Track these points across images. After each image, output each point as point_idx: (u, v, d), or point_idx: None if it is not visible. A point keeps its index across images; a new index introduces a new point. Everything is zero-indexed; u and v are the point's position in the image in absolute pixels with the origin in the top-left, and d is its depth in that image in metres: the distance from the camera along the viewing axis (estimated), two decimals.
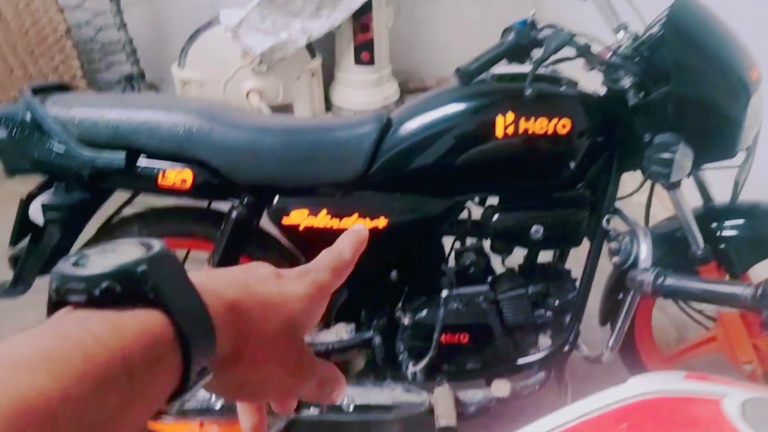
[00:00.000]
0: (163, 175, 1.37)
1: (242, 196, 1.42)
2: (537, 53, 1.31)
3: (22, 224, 1.46)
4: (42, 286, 1.55)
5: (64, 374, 0.27)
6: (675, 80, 1.27)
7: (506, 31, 1.28)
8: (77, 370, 0.27)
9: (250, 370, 0.38)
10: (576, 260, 1.63)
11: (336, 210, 1.40)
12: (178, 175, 1.37)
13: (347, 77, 3.72)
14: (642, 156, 1.41)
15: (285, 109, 3.58)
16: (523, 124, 1.34)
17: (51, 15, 3.14)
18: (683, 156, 1.27)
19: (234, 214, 1.42)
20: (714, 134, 1.33)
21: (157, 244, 0.33)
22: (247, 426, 0.43)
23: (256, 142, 1.38)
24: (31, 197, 1.44)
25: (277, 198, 1.42)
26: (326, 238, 1.40)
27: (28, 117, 1.36)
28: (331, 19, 3.36)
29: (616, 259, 1.48)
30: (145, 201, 1.59)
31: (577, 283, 1.56)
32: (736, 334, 1.52)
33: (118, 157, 1.35)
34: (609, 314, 1.72)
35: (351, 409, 1.45)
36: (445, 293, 1.44)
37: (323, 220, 1.40)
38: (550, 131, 1.34)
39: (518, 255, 1.60)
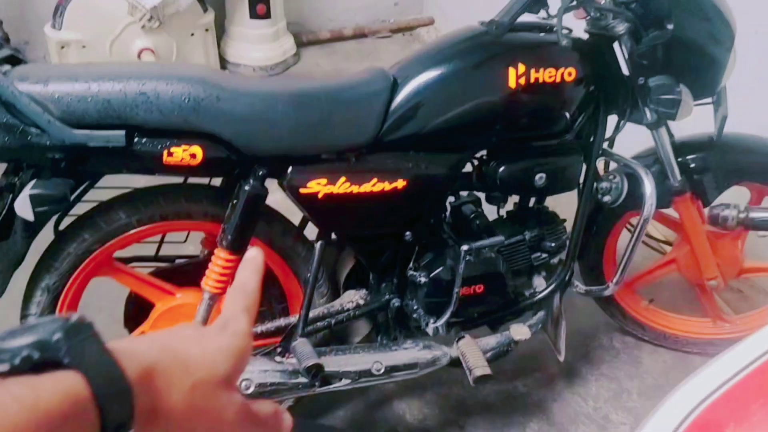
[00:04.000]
0: (168, 153, 1.24)
1: (254, 168, 1.32)
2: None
3: None
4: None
5: None
6: (674, 23, 1.35)
7: None
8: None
9: (171, 427, 0.39)
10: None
11: (354, 176, 1.35)
12: (185, 150, 1.24)
13: (242, 32, 3.51)
14: (624, 100, 1.50)
15: None
16: (533, 74, 1.36)
17: None
18: (687, 96, 1.36)
19: (247, 188, 1.32)
20: (701, 74, 1.44)
21: (73, 316, 0.36)
22: None
23: (269, 109, 1.28)
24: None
25: (291, 168, 1.33)
26: (346, 205, 1.36)
27: None
28: None
29: (607, 197, 1.58)
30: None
31: (567, 225, 1.64)
32: (703, 254, 1.69)
33: (117, 135, 1.19)
34: (584, 252, 1.83)
35: (381, 371, 1.44)
36: (465, 247, 1.45)
37: (342, 187, 1.34)
38: (558, 79, 1.38)
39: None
